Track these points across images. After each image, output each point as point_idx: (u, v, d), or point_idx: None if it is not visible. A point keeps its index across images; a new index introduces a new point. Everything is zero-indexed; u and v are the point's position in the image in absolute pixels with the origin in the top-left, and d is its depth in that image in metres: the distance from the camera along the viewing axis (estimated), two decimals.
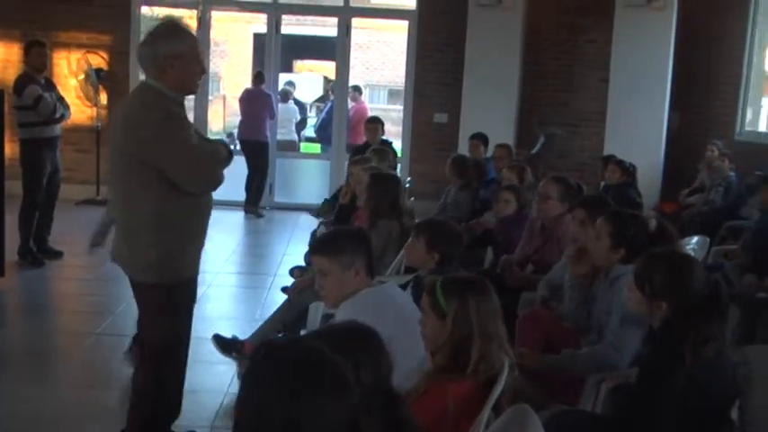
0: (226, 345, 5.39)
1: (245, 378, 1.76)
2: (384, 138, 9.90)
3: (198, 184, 3.80)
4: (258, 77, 12.14)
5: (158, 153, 3.67)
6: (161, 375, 3.96)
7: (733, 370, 3.29)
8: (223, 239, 10.35)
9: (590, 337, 4.19)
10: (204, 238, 4.07)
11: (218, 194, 4.06)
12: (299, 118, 15.05)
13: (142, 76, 3.99)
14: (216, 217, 4.15)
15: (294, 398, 1.64)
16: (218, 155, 3.95)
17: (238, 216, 11.74)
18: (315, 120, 17.09)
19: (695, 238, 6.31)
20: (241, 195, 11.87)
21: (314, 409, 1.64)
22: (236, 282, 8.54)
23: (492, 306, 3.05)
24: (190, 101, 13.40)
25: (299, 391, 1.65)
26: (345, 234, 3.79)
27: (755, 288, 6.00)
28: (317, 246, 3.70)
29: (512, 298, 5.18)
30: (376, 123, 9.96)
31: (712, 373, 3.15)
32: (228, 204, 11.87)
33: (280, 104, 13.07)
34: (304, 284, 5.48)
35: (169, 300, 3.87)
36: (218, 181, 3.89)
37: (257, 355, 1.78)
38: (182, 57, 3.73)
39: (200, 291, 7.43)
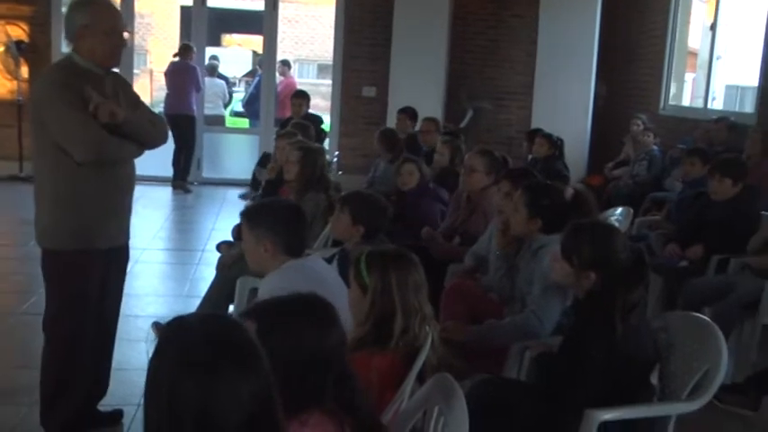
0: None
1: (156, 356, 1.69)
2: (312, 112, 9.84)
3: (82, 157, 3.74)
4: (184, 50, 11.95)
5: (48, 120, 3.67)
6: (56, 350, 3.90)
7: (653, 336, 3.36)
8: (150, 215, 10.21)
9: (514, 307, 4.23)
10: (119, 211, 4.01)
11: (145, 170, 3.99)
12: (227, 92, 14.85)
13: (66, 48, 3.92)
14: (143, 192, 4.09)
15: (210, 375, 1.60)
16: (133, 127, 3.86)
17: (166, 192, 11.59)
18: (243, 94, 16.91)
19: (619, 209, 6.41)
20: (169, 171, 11.72)
21: (230, 386, 1.61)
22: (164, 258, 8.42)
23: (415, 280, 3.04)
24: None
25: (214, 367, 1.61)
26: (270, 209, 3.74)
27: (677, 257, 6.12)
28: (245, 210, 3.67)
29: (439, 270, 5.23)
30: (301, 98, 9.90)
31: (635, 339, 3.20)
32: (156, 180, 11.75)
33: (206, 79, 12.89)
34: (232, 259, 5.43)
35: (61, 268, 3.85)
36: (104, 153, 3.79)
37: (168, 333, 1.72)
38: (91, 27, 3.68)
39: (129, 267, 7.41)
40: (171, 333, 1.70)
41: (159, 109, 16.55)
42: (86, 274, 3.92)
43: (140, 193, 4.02)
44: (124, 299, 4.36)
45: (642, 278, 3.29)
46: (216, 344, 1.66)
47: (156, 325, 5.36)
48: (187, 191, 11.70)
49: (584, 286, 3.36)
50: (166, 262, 8.28)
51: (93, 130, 3.70)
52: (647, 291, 3.40)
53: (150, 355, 1.71)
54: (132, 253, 7.89)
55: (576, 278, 3.39)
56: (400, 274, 3.01)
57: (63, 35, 3.81)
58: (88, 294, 3.95)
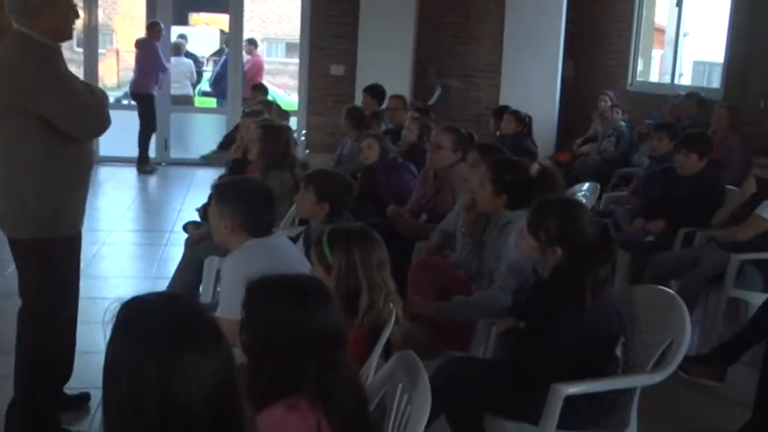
0: None
1: (114, 339, 1.64)
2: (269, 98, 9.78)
3: (85, 128, 3.68)
4: (151, 28, 11.79)
5: (42, 98, 3.53)
6: (44, 337, 3.84)
7: (618, 310, 3.37)
8: (117, 196, 10.15)
9: (481, 284, 4.22)
10: (87, 191, 3.94)
11: (113, 150, 3.93)
12: (194, 71, 14.72)
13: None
14: (110, 174, 4.04)
15: (172, 357, 1.57)
16: (102, 98, 3.82)
17: (132, 172, 11.49)
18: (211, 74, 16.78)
19: (586, 185, 6.43)
20: (135, 151, 11.61)
21: (192, 366, 1.58)
22: (132, 239, 8.37)
23: (378, 257, 3.03)
24: (79, 55, 13.05)
25: (176, 349, 1.58)
26: (237, 187, 3.73)
27: (643, 232, 6.16)
28: (215, 183, 3.66)
29: (406, 247, 5.22)
30: (258, 90, 9.85)
31: (601, 315, 3.22)
32: (124, 161, 11.66)
33: (173, 58, 12.77)
34: (198, 237, 5.40)
35: (51, 257, 3.74)
36: (106, 123, 3.76)
37: (126, 314, 1.67)
38: (55, 3, 3.59)
39: (93, 249, 7.37)
40: (129, 314, 1.66)
41: (126, 89, 16.41)
42: (73, 259, 3.89)
43: (108, 175, 3.97)
44: (92, 281, 4.33)
45: (609, 254, 3.29)
46: (177, 324, 1.63)
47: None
48: (147, 172, 11.57)
49: (551, 262, 3.36)
50: (134, 243, 8.22)
51: (99, 106, 3.66)
52: (614, 267, 3.40)
53: (108, 337, 1.67)
54: (99, 235, 7.96)
55: (542, 254, 3.39)
56: (364, 252, 3.00)
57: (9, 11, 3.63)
58: (72, 279, 3.91)
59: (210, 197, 3.96)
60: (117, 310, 1.67)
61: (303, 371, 2.11)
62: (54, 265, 3.78)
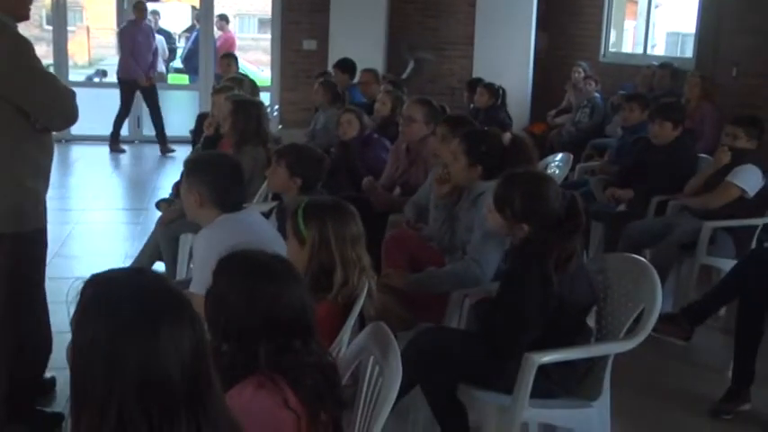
0: None
1: (84, 316, 1.58)
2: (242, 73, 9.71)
3: (63, 118, 3.63)
4: (139, 8, 11.43)
5: (18, 87, 3.46)
6: (16, 330, 3.80)
7: (591, 280, 3.38)
8: (90, 175, 10.08)
9: (455, 256, 4.23)
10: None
11: (82, 129, 3.87)
12: (166, 48, 14.58)
13: None
14: (81, 153, 3.99)
15: (151, 332, 1.53)
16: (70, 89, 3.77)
17: (104, 151, 11.39)
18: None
19: (559, 155, 6.44)
20: (105, 130, 11.49)
21: (171, 341, 1.54)
22: (105, 218, 8.29)
23: (352, 232, 3.02)
24: (49, 32, 12.89)
25: (155, 324, 1.54)
26: (207, 161, 3.71)
27: (616, 201, 6.20)
28: (187, 158, 3.64)
29: (381, 221, 5.22)
30: (228, 58, 9.80)
31: (571, 285, 3.22)
32: (93, 139, 11.56)
33: None
34: (171, 216, 5.37)
35: (24, 251, 3.66)
36: (77, 113, 3.71)
37: (95, 292, 1.60)
38: None
39: (66, 229, 7.32)
40: (98, 292, 1.60)
41: (98, 68, 16.25)
42: (44, 251, 3.85)
43: (80, 154, 3.93)
44: (65, 261, 4.28)
45: (576, 225, 3.30)
46: (151, 300, 1.59)
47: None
48: (119, 150, 11.49)
49: (519, 236, 3.37)
50: (108, 222, 8.16)
51: (72, 96, 3.61)
52: (586, 238, 3.41)
53: (72, 316, 1.62)
54: (72, 214, 7.89)
55: (509, 229, 3.39)
56: (338, 226, 2.99)
57: None
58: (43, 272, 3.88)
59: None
60: (80, 288, 1.62)
61: (258, 351, 2.10)
62: (29, 257, 3.73)
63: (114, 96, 11.48)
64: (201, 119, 7.77)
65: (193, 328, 1.59)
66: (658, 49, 11.27)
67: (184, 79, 15.26)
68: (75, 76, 14.98)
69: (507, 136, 4.22)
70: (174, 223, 5.26)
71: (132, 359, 1.51)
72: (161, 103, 11.67)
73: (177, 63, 16.43)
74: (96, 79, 16.73)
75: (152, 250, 5.47)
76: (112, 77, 12.51)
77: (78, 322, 1.58)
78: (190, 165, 3.60)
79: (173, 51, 16.40)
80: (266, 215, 4.30)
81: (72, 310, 1.61)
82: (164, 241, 5.37)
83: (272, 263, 2.24)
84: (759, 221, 5.42)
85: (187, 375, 1.55)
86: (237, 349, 2.10)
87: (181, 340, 1.55)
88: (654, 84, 9.23)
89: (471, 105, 9.09)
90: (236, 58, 9.87)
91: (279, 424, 2.03)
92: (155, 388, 1.52)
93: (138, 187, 9.88)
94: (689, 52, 9.71)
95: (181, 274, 5.00)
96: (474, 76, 10.71)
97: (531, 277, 3.19)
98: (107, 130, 11.42)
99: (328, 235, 2.96)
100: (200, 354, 1.58)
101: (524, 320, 3.20)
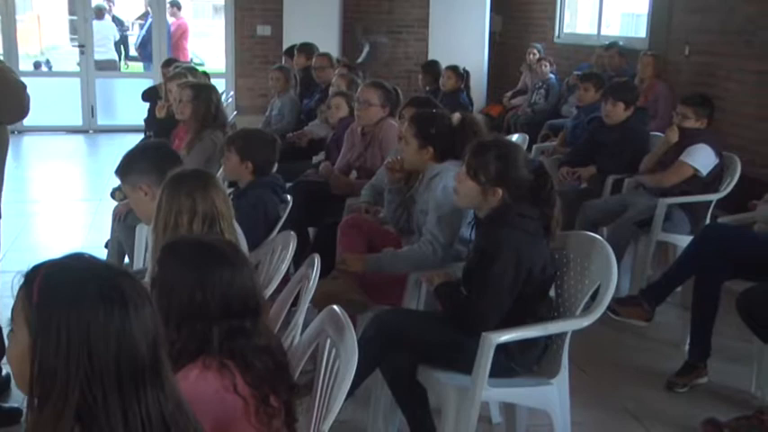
0: None
1: (44, 309, 1.51)
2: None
3: (15, 112, 3.57)
4: None
5: None
6: None
7: (552, 254, 3.39)
8: (43, 166, 9.94)
9: (411, 239, 4.22)
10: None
11: (34, 120, 3.81)
12: (117, 36, 14.39)
13: None
14: (34, 143, 3.93)
15: (125, 311, 1.52)
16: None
17: (57, 141, 11.24)
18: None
19: (515, 136, 6.47)
20: (58, 120, 11.33)
21: (139, 320, 1.53)
22: (60, 209, 8.19)
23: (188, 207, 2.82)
24: None
25: (124, 304, 1.53)
26: (134, 155, 3.62)
27: (571, 180, 6.23)
28: (116, 169, 3.56)
29: (338, 205, 5.20)
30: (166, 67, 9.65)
31: (537, 256, 3.23)
32: (46, 130, 11.40)
33: (95, 22, 12.46)
34: (126, 209, 5.30)
35: None
36: (28, 106, 3.66)
37: (49, 281, 1.54)
38: None
39: (21, 222, 7.20)
40: (55, 282, 1.55)
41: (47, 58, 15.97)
42: None
43: (32, 145, 3.87)
44: (20, 255, 4.21)
45: (549, 194, 3.31)
46: (111, 280, 1.56)
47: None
48: None
49: (491, 203, 3.35)
50: (62, 213, 8.05)
51: (21, 87, 3.54)
52: (554, 207, 3.41)
53: (14, 310, 1.58)
54: (24, 206, 7.77)
55: (482, 195, 3.37)
56: (167, 197, 2.83)
57: None
58: None
59: None
60: (24, 280, 1.59)
61: (209, 335, 2.08)
62: None
63: (63, 86, 11.34)
64: (152, 103, 7.70)
65: (151, 302, 1.59)
66: (613, 29, 11.31)
67: (140, 68, 15.08)
68: (25, 65, 14.74)
69: (456, 116, 4.20)
70: (130, 214, 5.20)
71: (110, 342, 1.50)
72: (115, 92, 11.56)
73: (134, 51, 16.23)
74: (45, 69, 16.47)
75: (118, 247, 5.40)
76: (59, 67, 12.39)
77: (39, 315, 1.53)
78: (122, 168, 3.46)
79: (125, 39, 16.18)
80: None
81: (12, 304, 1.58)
82: (122, 234, 5.32)
83: (220, 246, 2.22)
84: (713, 197, 5.48)
85: (151, 346, 1.55)
86: (189, 335, 2.08)
87: (144, 315, 1.55)
88: (606, 64, 9.29)
89: (427, 88, 9.07)
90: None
91: (225, 407, 2.02)
92: (128, 367, 1.51)
93: (92, 177, 9.75)
94: (643, 32, 9.78)
95: (138, 263, 4.95)
96: (429, 58, 10.70)
97: (502, 252, 3.19)
98: (59, 120, 11.28)
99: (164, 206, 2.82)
100: (158, 328, 1.59)
101: (497, 295, 3.19)
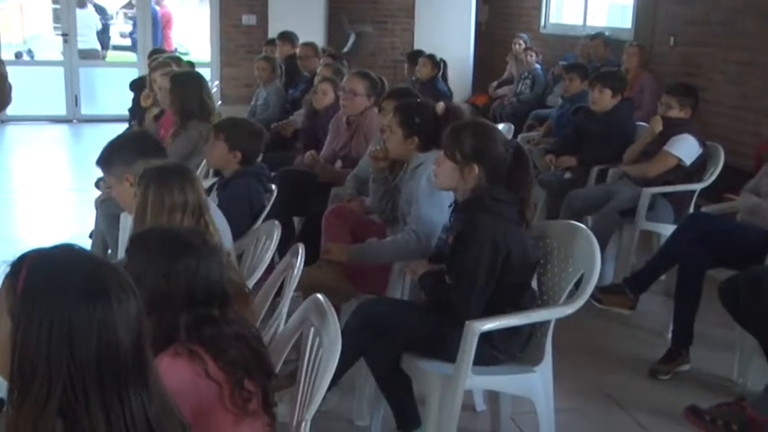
0: None
1: (27, 300, 1.50)
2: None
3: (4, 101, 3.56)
4: None
5: None
6: None
7: (533, 241, 3.40)
8: (27, 156, 9.89)
9: (396, 229, 4.22)
10: None
11: (17, 110, 3.79)
12: (99, 26, 14.29)
13: None
14: (17, 133, 3.91)
15: (108, 302, 1.51)
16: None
17: (41, 131, 11.18)
18: (121, 27, 16.36)
19: (501, 126, 6.46)
20: (41, 110, 11.26)
21: (122, 310, 1.52)
22: (46, 199, 8.15)
23: (172, 201, 2.82)
24: None
25: (107, 295, 1.52)
26: (117, 145, 3.61)
27: (556, 168, 6.25)
28: (97, 159, 3.54)
29: (322, 194, 5.20)
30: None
31: (515, 242, 3.24)
32: (29, 119, 11.34)
33: (77, 10, 12.37)
34: (106, 195, 5.28)
35: None
36: (10, 97, 3.64)
37: (34, 269, 1.53)
38: None
39: (6, 211, 7.16)
40: (40, 273, 1.54)
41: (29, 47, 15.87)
42: None
43: (16, 135, 3.85)
44: (3, 245, 4.18)
45: (525, 175, 3.32)
46: (95, 271, 1.56)
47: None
48: None
49: (469, 182, 3.34)
50: (46, 203, 8.02)
51: (2, 77, 3.52)
52: (531, 189, 3.42)
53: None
54: (7, 196, 7.73)
55: (460, 174, 3.36)
56: (157, 194, 2.82)
57: None
58: None
59: None
60: (9, 269, 1.58)
61: (176, 324, 2.09)
62: None
63: (47, 75, 11.28)
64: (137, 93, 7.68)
65: (135, 293, 1.58)
66: (599, 20, 11.33)
67: (124, 57, 15.00)
68: (7, 54, 14.64)
69: (441, 105, 4.19)
70: (110, 200, 5.18)
71: (92, 333, 1.49)
72: (99, 81, 11.51)
73: (116, 40, 16.14)
74: (28, 57, 16.34)
75: (101, 237, 5.37)
76: (41, 56, 12.29)
77: (22, 306, 1.52)
78: (105, 159, 3.47)
79: (107, 28, 16.06)
80: (207, 191, 4.25)
81: None
82: (104, 223, 5.28)
83: (188, 235, 2.23)
84: (696, 186, 5.51)
85: (134, 343, 1.54)
86: (157, 325, 2.08)
87: (128, 309, 1.54)
88: (591, 54, 9.32)
89: (413, 78, 9.08)
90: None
91: (198, 392, 2.02)
92: (110, 364, 1.50)
93: (77, 167, 9.71)
94: (628, 23, 9.80)
95: (121, 253, 4.92)
96: (415, 48, 10.69)
97: (477, 237, 3.19)
98: (42, 110, 11.22)
99: (147, 200, 2.82)
100: (142, 320, 1.58)
101: (474, 281, 3.20)
